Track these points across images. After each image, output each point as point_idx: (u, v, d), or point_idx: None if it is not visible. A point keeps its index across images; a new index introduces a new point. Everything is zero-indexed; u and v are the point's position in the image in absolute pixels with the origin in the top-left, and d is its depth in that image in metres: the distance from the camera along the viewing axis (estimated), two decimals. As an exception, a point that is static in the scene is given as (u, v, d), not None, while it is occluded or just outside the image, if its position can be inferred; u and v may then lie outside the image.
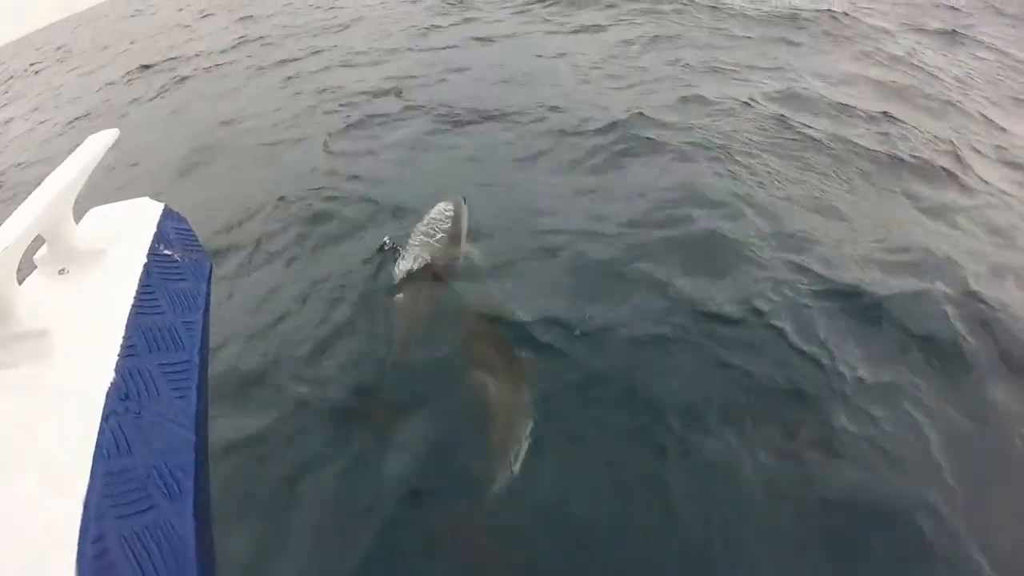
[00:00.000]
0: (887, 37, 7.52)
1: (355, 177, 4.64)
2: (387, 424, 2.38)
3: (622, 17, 8.49)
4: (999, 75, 6.87)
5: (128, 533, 1.19)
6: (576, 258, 3.22)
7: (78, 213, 1.67)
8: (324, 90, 7.09)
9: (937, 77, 6.40)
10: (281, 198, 4.39)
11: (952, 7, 9.42)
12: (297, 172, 4.92)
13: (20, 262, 1.37)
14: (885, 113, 5.18)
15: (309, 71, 8.19)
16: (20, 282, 1.45)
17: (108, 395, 1.36)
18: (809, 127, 4.78)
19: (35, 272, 1.57)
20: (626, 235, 3.38)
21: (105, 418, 1.32)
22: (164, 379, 1.45)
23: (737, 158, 4.24)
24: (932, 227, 3.67)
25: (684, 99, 5.39)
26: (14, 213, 1.43)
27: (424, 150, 5.06)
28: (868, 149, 4.50)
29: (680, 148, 4.40)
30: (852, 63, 6.61)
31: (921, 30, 8.18)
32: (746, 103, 5.24)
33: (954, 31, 8.13)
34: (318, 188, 4.46)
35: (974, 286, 3.05)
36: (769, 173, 4.06)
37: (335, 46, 9.35)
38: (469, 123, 5.43)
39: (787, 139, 4.61)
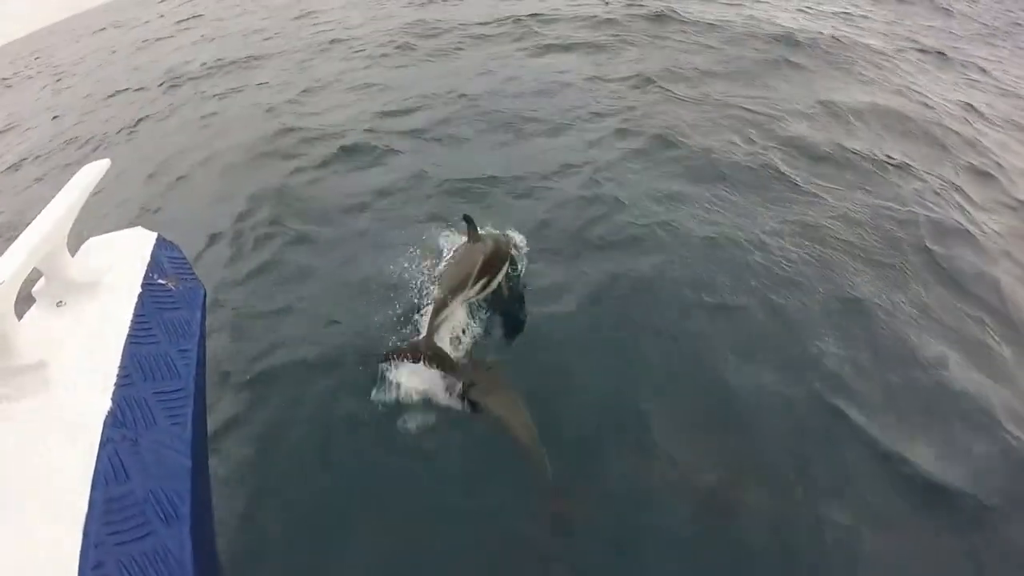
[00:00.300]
0: (885, 60, 7.80)
1: (304, 275, 4.03)
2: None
3: (614, 34, 8.63)
4: (995, 99, 7.19)
5: (127, 559, 1.28)
6: (574, 419, 2.89)
7: (74, 244, 1.78)
8: (293, 128, 6.78)
9: (935, 104, 6.63)
10: (212, 300, 3.76)
11: (944, 29, 9.85)
12: (238, 265, 4.36)
13: (21, 294, 1.47)
14: (890, 157, 5.20)
15: (285, 100, 8.06)
16: (21, 316, 1.54)
17: (105, 424, 1.46)
18: (819, 184, 4.66)
19: (34, 306, 1.67)
20: (630, 382, 3.03)
21: (103, 446, 1.41)
22: (160, 406, 1.55)
23: (745, 241, 3.94)
24: (964, 324, 3.44)
25: (684, 149, 5.22)
26: (10, 248, 1.53)
27: (392, 237, 4.21)
28: (883, 211, 4.40)
29: (681, 234, 4.05)
30: (853, 91, 6.76)
31: (917, 51, 8.51)
32: (750, 152, 5.14)
33: (949, 54, 8.50)
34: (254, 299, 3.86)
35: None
36: (788, 265, 3.73)
37: (314, 70, 9.41)
38: (444, 186, 4.95)
39: (798, 201, 4.47)
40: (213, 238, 4.76)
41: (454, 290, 3.03)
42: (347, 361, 3.12)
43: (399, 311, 3.29)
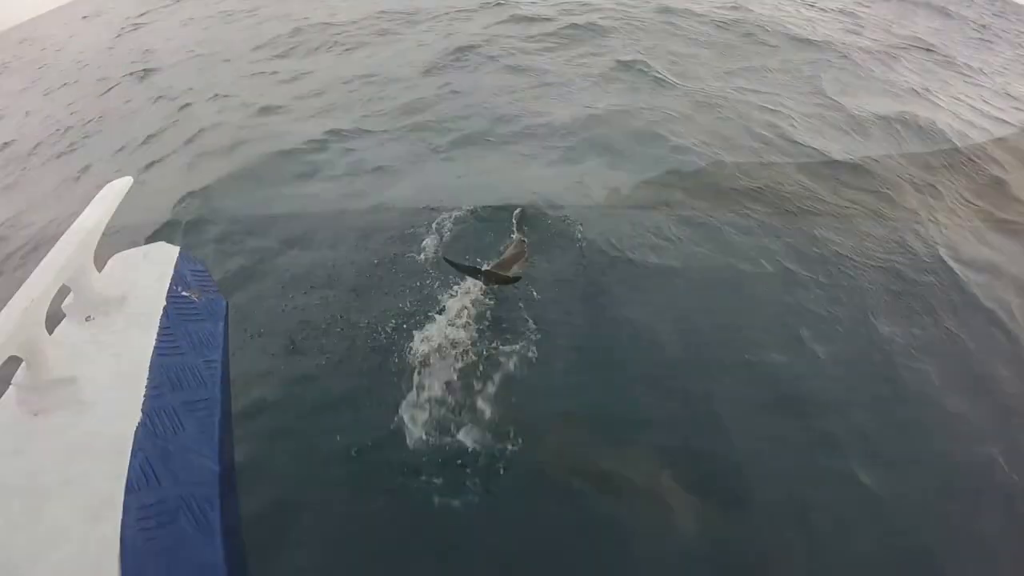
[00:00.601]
0: (891, 60, 8.10)
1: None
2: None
3: (612, 25, 8.70)
4: (999, 102, 7.46)
5: (163, 565, 1.40)
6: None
7: (100, 260, 1.88)
8: (273, 126, 6.53)
9: (943, 105, 6.91)
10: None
11: (944, 30, 10.18)
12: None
13: (51, 310, 1.58)
14: (900, 165, 5.34)
15: (264, 93, 7.79)
16: (52, 331, 1.65)
17: (136, 433, 1.58)
18: (825, 197, 4.69)
19: (64, 320, 1.78)
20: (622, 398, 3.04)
21: (134, 455, 1.53)
22: (188, 416, 1.68)
23: (747, 258, 3.85)
24: (980, 358, 3.41)
25: (684, 154, 5.21)
26: (39, 266, 1.64)
27: (377, 241, 4.10)
28: (895, 226, 4.46)
29: (681, 250, 3.97)
30: (859, 93, 6.97)
31: (922, 51, 8.81)
32: (752, 157, 5.11)
33: (952, 56, 8.80)
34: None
35: None
36: (796, 291, 3.63)
37: (297, 60, 9.29)
38: (422, 193, 4.70)
39: (804, 214, 4.47)
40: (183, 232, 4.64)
41: (510, 261, 3.78)
42: (356, 362, 3.21)
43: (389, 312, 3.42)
